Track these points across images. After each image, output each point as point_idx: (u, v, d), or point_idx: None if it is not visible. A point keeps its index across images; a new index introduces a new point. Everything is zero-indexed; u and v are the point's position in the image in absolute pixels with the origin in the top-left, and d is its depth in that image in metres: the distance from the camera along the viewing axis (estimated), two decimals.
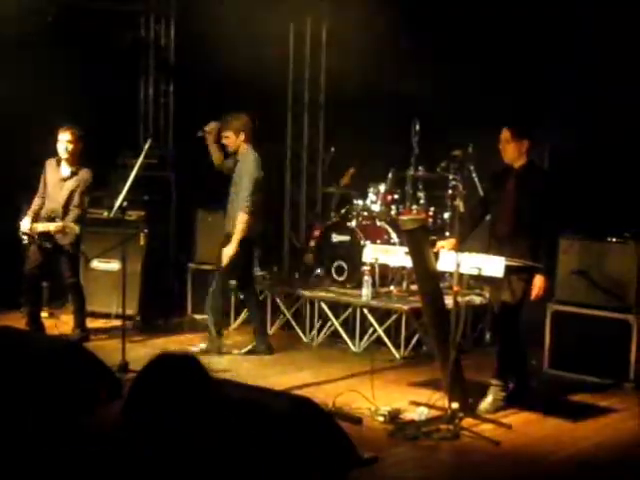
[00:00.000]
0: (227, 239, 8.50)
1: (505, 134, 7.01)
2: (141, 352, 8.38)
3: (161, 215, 10.71)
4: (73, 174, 8.79)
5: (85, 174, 8.79)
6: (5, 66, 9.71)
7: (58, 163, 8.82)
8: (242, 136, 8.59)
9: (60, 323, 9.29)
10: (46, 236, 8.65)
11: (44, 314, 9.52)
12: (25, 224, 8.66)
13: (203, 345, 8.72)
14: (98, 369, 6.64)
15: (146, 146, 8.40)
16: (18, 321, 8.83)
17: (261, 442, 4.78)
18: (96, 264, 9.85)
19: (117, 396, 6.01)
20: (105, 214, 9.35)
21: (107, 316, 9.60)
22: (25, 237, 8.64)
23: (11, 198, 9.71)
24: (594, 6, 9.11)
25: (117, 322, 9.02)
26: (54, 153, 8.83)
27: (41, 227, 8.62)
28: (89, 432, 3.06)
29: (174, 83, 11.62)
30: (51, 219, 8.68)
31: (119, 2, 10.96)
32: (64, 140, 8.70)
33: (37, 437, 4.53)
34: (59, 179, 8.82)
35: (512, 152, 7.02)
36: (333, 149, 10.75)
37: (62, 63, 10.06)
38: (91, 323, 9.30)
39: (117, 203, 8.21)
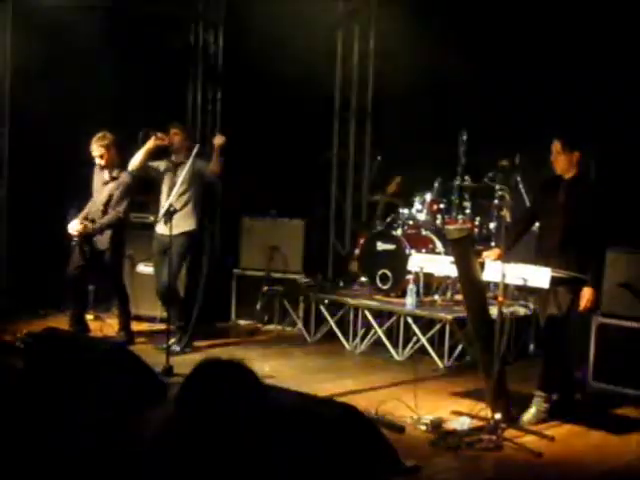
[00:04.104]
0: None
1: (556, 146, 7.00)
2: (185, 356, 8.46)
3: (207, 221, 10.77)
4: (114, 178, 8.86)
5: (126, 177, 8.84)
6: (55, 68, 9.84)
7: (101, 168, 8.91)
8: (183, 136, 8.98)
9: (105, 326, 9.38)
10: (86, 239, 8.75)
11: (90, 316, 9.60)
12: (71, 226, 8.77)
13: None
14: (143, 372, 6.69)
15: (194, 152, 8.44)
16: (65, 323, 8.94)
17: (312, 448, 4.80)
18: (142, 268, 9.91)
19: (162, 399, 6.05)
20: (152, 218, 9.45)
21: (152, 320, 9.68)
22: (75, 239, 8.75)
23: (60, 200, 9.82)
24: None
25: (162, 326, 9.09)
26: None
27: (70, 229, 8.74)
28: (135, 434, 3.08)
29: (222, 90, 11.68)
30: (92, 222, 8.77)
31: (169, 8, 11.03)
32: (95, 155, 8.80)
33: (83, 438, 4.57)
34: (102, 183, 8.91)
35: (563, 164, 7.00)
36: (380, 157, 10.75)
37: (111, 67, 10.17)
38: (136, 326, 9.38)
39: (164, 208, 8.28)
